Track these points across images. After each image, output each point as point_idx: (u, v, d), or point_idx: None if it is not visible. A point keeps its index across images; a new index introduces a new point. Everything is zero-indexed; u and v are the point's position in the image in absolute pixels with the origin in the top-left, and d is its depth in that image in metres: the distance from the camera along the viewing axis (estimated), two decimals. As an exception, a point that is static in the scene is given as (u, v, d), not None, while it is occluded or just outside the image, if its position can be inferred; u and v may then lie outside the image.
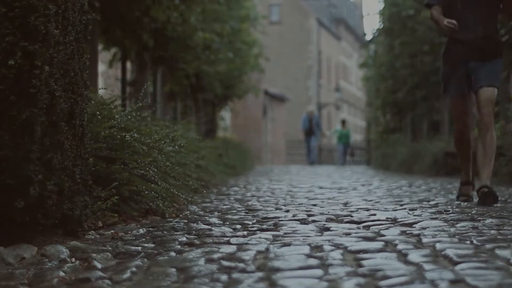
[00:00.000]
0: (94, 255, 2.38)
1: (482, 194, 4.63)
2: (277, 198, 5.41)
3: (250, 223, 3.44)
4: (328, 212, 4.01)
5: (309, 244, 2.59)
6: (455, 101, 5.11)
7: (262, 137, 33.17)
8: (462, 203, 4.91)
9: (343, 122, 27.64)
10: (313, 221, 3.52)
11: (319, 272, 2.04)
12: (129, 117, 4.42)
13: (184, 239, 2.79)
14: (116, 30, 7.77)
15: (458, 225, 3.25)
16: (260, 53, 18.11)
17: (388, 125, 20.85)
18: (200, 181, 5.66)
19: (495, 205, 4.54)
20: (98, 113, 3.91)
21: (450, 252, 2.32)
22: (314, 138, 24.53)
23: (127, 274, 2.06)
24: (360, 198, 5.44)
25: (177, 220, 3.65)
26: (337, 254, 2.34)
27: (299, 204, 4.77)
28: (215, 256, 2.34)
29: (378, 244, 2.56)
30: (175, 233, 3.04)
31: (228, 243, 2.69)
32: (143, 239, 2.84)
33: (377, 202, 4.90)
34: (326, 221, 3.49)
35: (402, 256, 2.29)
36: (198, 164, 6.20)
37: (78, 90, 2.94)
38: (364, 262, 2.17)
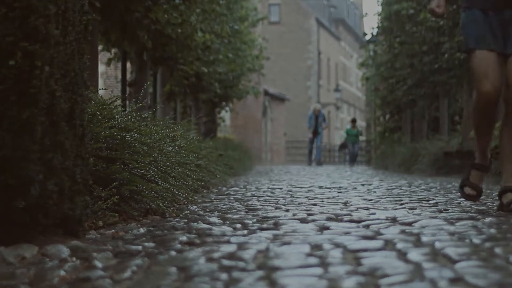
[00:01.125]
0: (94, 254, 2.39)
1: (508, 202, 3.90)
2: (277, 198, 5.42)
3: (250, 222, 3.45)
4: (328, 212, 4.02)
5: (309, 243, 2.60)
6: (480, 53, 3.94)
7: (262, 137, 33.17)
8: (465, 199, 4.31)
9: (353, 121, 25.61)
10: (313, 220, 3.53)
11: (319, 270, 2.05)
12: (129, 117, 4.42)
13: (185, 238, 2.80)
14: (116, 31, 7.78)
15: (457, 223, 3.26)
16: (260, 53, 18.13)
17: (388, 125, 20.88)
18: (200, 181, 5.67)
19: (494, 203, 4.54)
20: (98, 113, 3.91)
21: (449, 251, 2.33)
22: (319, 137, 23.53)
23: (127, 273, 2.07)
24: (360, 197, 5.45)
25: (177, 219, 3.66)
26: (337, 253, 2.35)
27: (299, 203, 4.78)
28: (216, 255, 2.35)
29: (377, 243, 2.57)
30: (176, 232, 3.04)
31: (228, 242, 2.69)
32: (144, 239, 2.85)
33: (376, 202, 4.91)
34: (326, 220, 3.50)
35: (402, 255, 2.30)
36: (198, 164, 6.21)
37: (78, 90, 2.95)
38: (363, 261, 2.18)
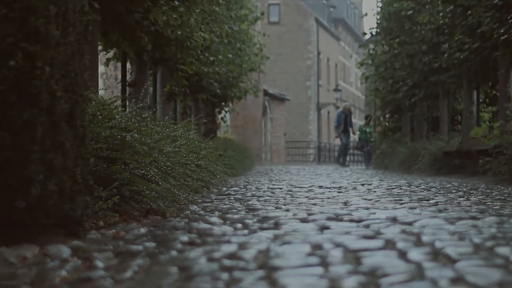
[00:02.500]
0: (95, 254, 2.40)
1: None
2: (277, 198, 5.42)
3: (251, 222, 3.45)
4: (328, 211, 4.02)
5: (309, 243, 2.61)
6: None
7: (262, 137, 33.17)
8: None
9: (367, 117, 23.33)
10: (313, 220, 3.53)
11: (319, 270, 2.05)
12: (130, 117, 4.43)
13: (185, 238, 2.80)
14: (115, 32, 7.78)
15: (457, 223, 3.26)
16: (259, 52, 18.12)
17: (388, 125, 20.85)
18: (200, 181, 5.67)
19: (494, 203, 4.54)
20: (98, 113, 3.92)
21: (449, 250, 2.33)
22: (348, 137, 21.94)
23: (128, 273, 2.07)
24: (360, 197, 5.45)
25: (178, 219, 3.67)
26: (337, 253, 2.35)
27: (299, 203, 4.79)
28: (216, 255, 2.35)
29: (378, 243, 2.57)
30: (176, 232, 3.05)
31: (229, 242, 2.70)
32: (144, 239, 2.85)
33: (376, 201, 4.91)
34: (326, 220, 3.50)
35: (402, 254, 2.30)
36: (198, 164, 6.21)
37: (78, 90, 2.95)
38: (364, 260, 2.18)
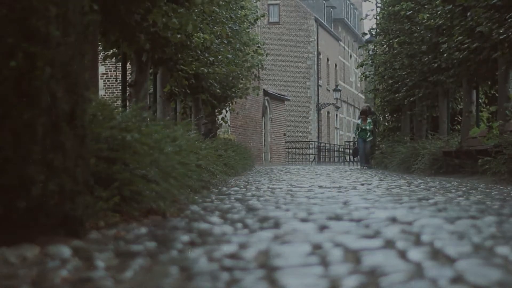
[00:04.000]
0: (96, 254, 2.40)
1: None
2: (277, 198, 5.43)
3: (251, 221, 3.46)
4: (328, 211, 4.03)
5: (309, 242, 2.61)
6: None
7: (262, 137, 33.17)
8: None
9: (363, 114, 20.70)
10: (313, 219, 3.54)
11: (319, 269, 2.06)
12: (130, 116, 4.43)
13: (186, 238, 2.81)
14: (115, 32, 7.78)
15: (457, 222, 3.27)
16: (258, 49, 18.11)
17: (388, 125, 20.80)
18: (200, 181, 5.67)
19: (494, 202, 4.55)
20: (99, 113, 3.92)
21: (449, 250, 2.34)
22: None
23: (129, 273, 2.08)
24: (360, 197, 5.46)
25: (178, 219, 3.67)
26: (337, 252, 2.36)
27: (299, 203, 4.79)
28: (217, 254, 2.36)
29: (377, 242, 2.58)
30: (177, 232, 3.05)
31: (229, 241, 2.70)
32: (145, 238, 2.85)
33: (376, 201, 4.92)
34: (326, 220, 3.51)
35: (402, 254, 2.31)
36: (199, 164, 6.21)
37: (79, 91, 2.96)
38: (364, 260, 2.19)
